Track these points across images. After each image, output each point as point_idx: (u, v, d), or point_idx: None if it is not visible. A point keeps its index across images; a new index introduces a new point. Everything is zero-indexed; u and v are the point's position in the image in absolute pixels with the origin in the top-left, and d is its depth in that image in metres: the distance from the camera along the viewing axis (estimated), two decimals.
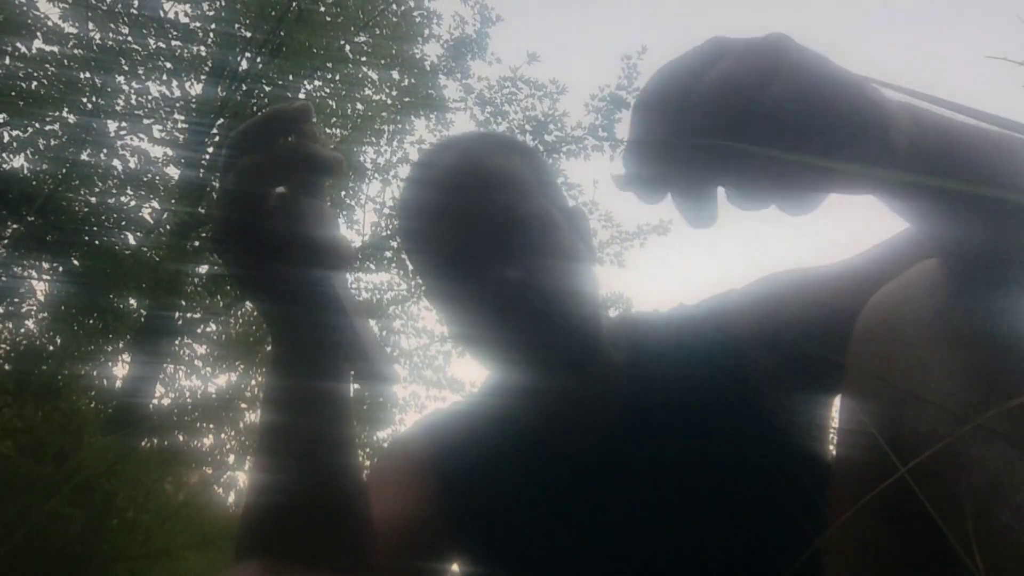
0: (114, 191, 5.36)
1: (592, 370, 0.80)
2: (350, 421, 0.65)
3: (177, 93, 5.86)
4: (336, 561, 0.63)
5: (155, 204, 5.56)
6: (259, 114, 0.57)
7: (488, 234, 0.76)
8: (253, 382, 5.88)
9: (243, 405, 5.71)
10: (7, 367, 4.95)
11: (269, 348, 0.63)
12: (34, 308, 5.46)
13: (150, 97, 5.75)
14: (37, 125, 4.87)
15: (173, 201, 5.43)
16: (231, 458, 5.84)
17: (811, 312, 0.73)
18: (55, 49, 5.10)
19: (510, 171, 0.82)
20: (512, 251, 0.76)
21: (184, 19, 5.77)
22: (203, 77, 5.97)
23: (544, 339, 0.75)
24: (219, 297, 5.77)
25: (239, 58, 5.78)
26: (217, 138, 5.83)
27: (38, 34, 4.99)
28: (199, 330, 5.95)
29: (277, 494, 0.62)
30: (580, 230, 0.86)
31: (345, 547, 0.64)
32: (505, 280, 0.74)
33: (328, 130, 6.45)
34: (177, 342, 5.85)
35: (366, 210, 6.96)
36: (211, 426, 5.68)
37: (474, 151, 0.84)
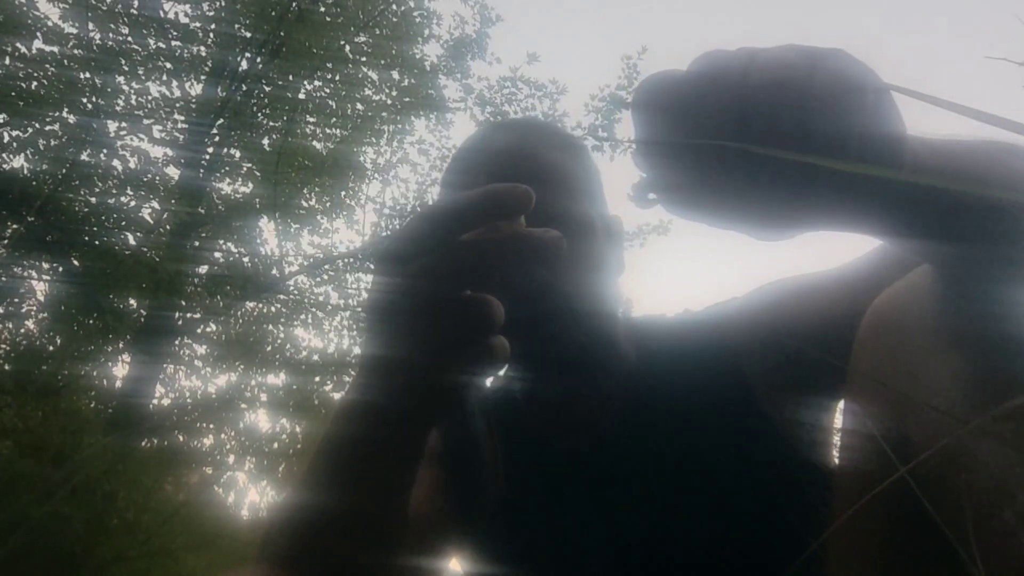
0: (114, 191, 5.37)
1: (599, 375, 0.80)
2: (418, 466, 0.60)
3: (177, 93, 5.88)
4: None
5: (155, 204, 5.58)
6: (459, 198, 0.47)
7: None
8: (253, 382, 5.88)
9: (243, 405, 5.72)
10: (7, 367, 4.95)
11: (358, 377, 0.55)
12: (34, 308, 5.47)
13: (150, 97, 5.77)
14: (37, 125, 4.88)
15: (173, 201, 5.43)
16: (231, 458, 5.83)
17: (811, 317, 0.73)
18: (55, 49, 5.11)
19: (560, 168, 0.79)
20: None
21: (184, 19, 5.79)
22: (203, 77, 5.98)
23: (553, 344, 0.73)
24: (219, 297, 5.77)
25: (239, 58, 5.79)
26: (217, 138, 5.84)
27: (38, 34, 5.00)
28: (199, 330, 5.95)
29: (323, 511, 0.58)
30: (615, 239, 0.85)
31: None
32: (534, 278, 0.72)
33: (328, 130, 6.46)
34: (177, 342, 5.85)
35: (366, 210, 6.97)
36: (211, 426, 5.68)
37: (528, 139, 0.81)
